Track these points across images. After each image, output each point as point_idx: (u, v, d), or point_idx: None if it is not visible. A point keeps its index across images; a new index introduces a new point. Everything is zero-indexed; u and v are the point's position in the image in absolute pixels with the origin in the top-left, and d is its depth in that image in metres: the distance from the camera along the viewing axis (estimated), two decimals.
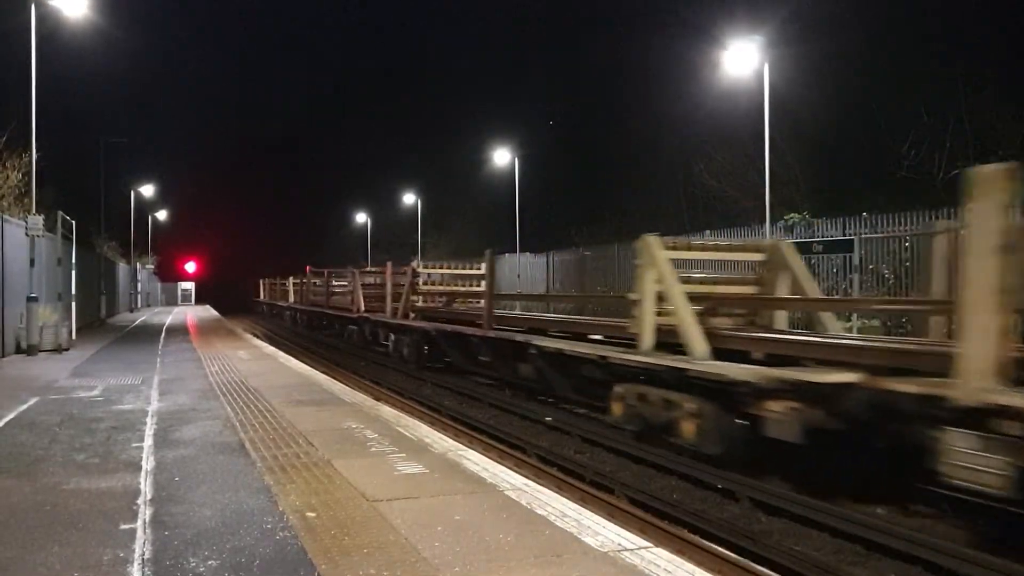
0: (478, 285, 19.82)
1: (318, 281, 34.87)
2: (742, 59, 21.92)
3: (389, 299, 21.17)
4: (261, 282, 57.44)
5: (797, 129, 29.54)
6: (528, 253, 35.43)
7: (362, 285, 24.88)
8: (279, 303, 45.21)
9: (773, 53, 22.08)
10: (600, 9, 69.06)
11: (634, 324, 9.81)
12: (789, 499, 7.33)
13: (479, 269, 20.44)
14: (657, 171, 39.77)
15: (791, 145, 29.37)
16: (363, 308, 23.50)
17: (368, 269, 29.95)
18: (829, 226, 19.52)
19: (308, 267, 35.97)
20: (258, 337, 27.83)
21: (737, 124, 30.38)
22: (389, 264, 23.11)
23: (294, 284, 41.04)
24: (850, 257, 17.93)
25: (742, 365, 8.10)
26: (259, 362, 15.55)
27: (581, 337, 11.94)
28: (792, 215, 21.20)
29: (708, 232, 23.49)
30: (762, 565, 6.41)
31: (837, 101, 29.45)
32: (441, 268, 22.47)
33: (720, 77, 24.13)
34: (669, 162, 38.47)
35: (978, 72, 25.55)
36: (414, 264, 19.79)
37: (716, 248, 13.99)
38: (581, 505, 6.00)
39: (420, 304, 19.99)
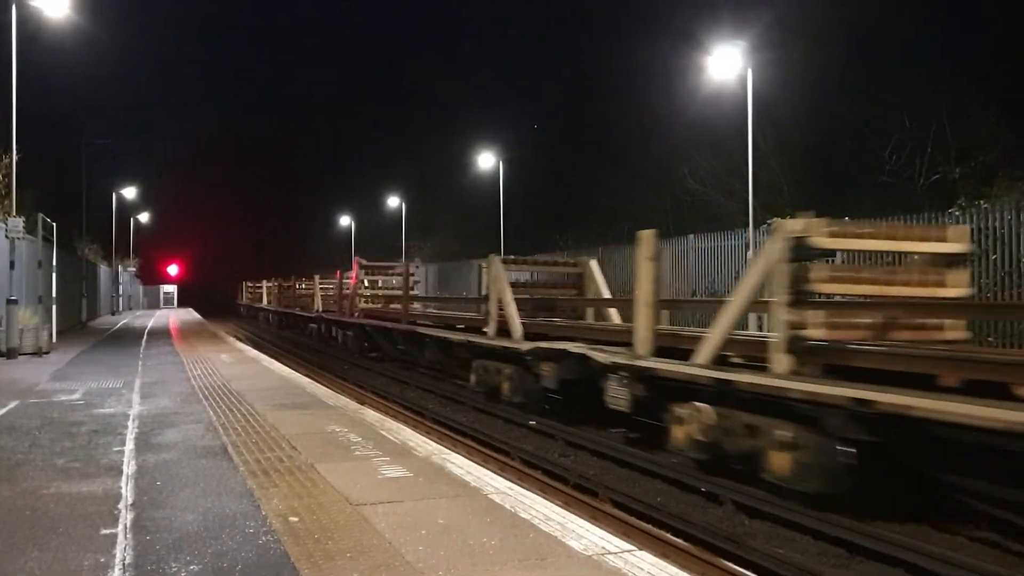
0: (939, 287, 7.90)
1: (391, 280, 25.32)
2: (726, 64, 22.07)
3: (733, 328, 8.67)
4: (264, 285, 46.56)
5: (780, 134, 29.75)
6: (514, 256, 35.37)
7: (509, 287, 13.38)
8: (294, 311, 34.80)
9: (757, 58, 22.24)
10: (585, 14, 69.34)
11: None
12: (772, 502, 7.35)
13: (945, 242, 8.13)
14: (642, 175, 39.93)
15: (774, 149, 29.57)
16: (520, 329, 12.41)
17: (525, 258, 17.80)
18: None
19: (357, 259, 25.27)
20: (241, 340, 27.68)
21: (721, 128, 30.56)
22: (650, 235, 9.41)
23: (323, 287, 29.69)
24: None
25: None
26: (242, 365, 15.47)
27: None
28: (775, 219, 21.30)
29: (692, 236, 23.57)
30: (745, 568, 6.42)
31: (820, 106, 29.70)
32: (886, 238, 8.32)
33: (705, 82, 24.25)
34: (654, 166, 38.63)
35: (959, 78, 25.83)
36: (799, 225, 7.53)
37: None
38: (565, 508, 6.01)
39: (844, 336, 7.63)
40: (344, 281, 26.08)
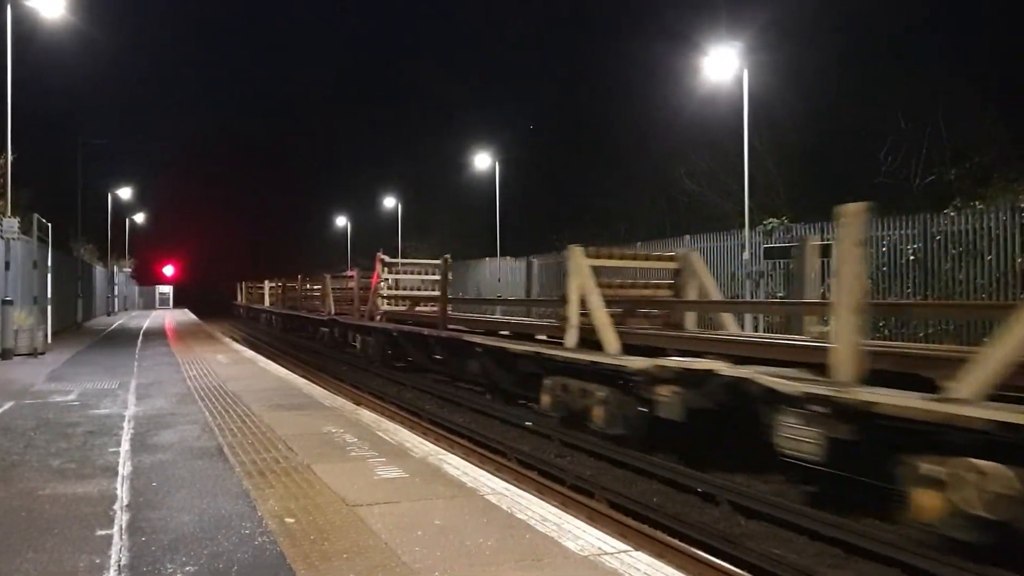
0: None
1: (419, 278, 21.45)
2: (722, 65, 22.12)
3: None
4: (266, 285, 43.38)
5: (776, 135, 29.80)
6: (509, 257, 35.42)
7: None
8: (300, 313, 32.00)
9: (753, 59, 22.27)
10: (582, 15, 69.39)
11: None
12: (768, 503, 7.36)
13: None
14: (638, 176, 39.98)
15: (770, 150, 29.62)
16: (616, 340, 10.29)
17: None
18: (807, 231, 19.65)
19: (379, 255, 21.32)
20: (237, 341, 27.65)
21: (718, 129, 30.60)
22: (859, 211, 6.94)
23: (335, 288, 26.82)
24: (827, 262, 18.04)
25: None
26: (238, 366, 15.44)
27: None
28: (771, 220, 21.34)
29: (688, 237, 23.59)
30: (742, 568, 6.42)
31: (817, 107, 29.75)
32: None
33: (701, 82, 24.29)
34: (650, 167, 38.68)
35: (955, 80, 25.89)
36: None
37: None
38: (562, 509, 6.00)
39: None
40: (363, 280, 23.23)
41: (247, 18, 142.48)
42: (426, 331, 16.68)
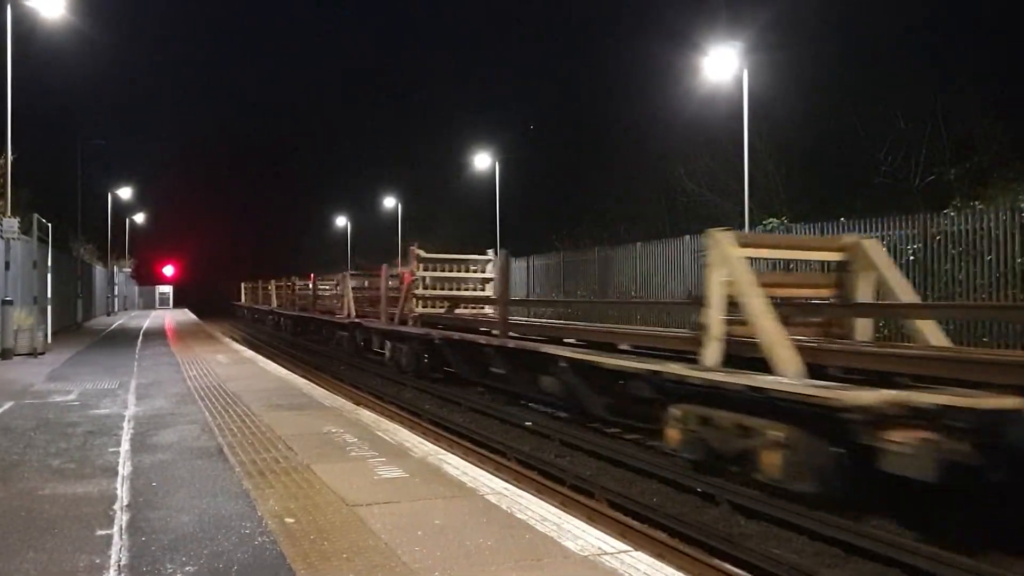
0: None
1: (461, 276, 19.03)
2: (722, 65, 22.16)
3: None
4: (272, 284, 40.97)
5: (777, 134, 29.81)
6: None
7: None
8: (314, 315, 29.05)
9: (753, 59, 22.30)
10: (583, 15, 69.48)
11: None
12: (768, 503, 7.35)
13: None
14: (638, 175, 40.02)
15: (771, 150, 29.63)
16: (797, 360, 7.65)
17: None
18: (807, 231, 19.65)
19: (414, 249, 18.98)
20: (237, 341, 27.65)
21: (718, 129, 30.63)
22: None
23: (355, 288, 24.39)
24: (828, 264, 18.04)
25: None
26: (238, 366, 15.44)
27: None
28: (771, 220, 21.34)
29: (688, 236, 23.57)
30: (741, 568, 6.43)
31: (816, 107, 29.77)
32: None
33: (701, 82, 24.31)
34: (651, 167, 38.72)
35: (956, 80, 25.93)
36: None
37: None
38: (561, 509, 6.00)
39: None
40: (391, 279, 20.52)
41: (247, 18, 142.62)
42: (483, 340, 13.85)
